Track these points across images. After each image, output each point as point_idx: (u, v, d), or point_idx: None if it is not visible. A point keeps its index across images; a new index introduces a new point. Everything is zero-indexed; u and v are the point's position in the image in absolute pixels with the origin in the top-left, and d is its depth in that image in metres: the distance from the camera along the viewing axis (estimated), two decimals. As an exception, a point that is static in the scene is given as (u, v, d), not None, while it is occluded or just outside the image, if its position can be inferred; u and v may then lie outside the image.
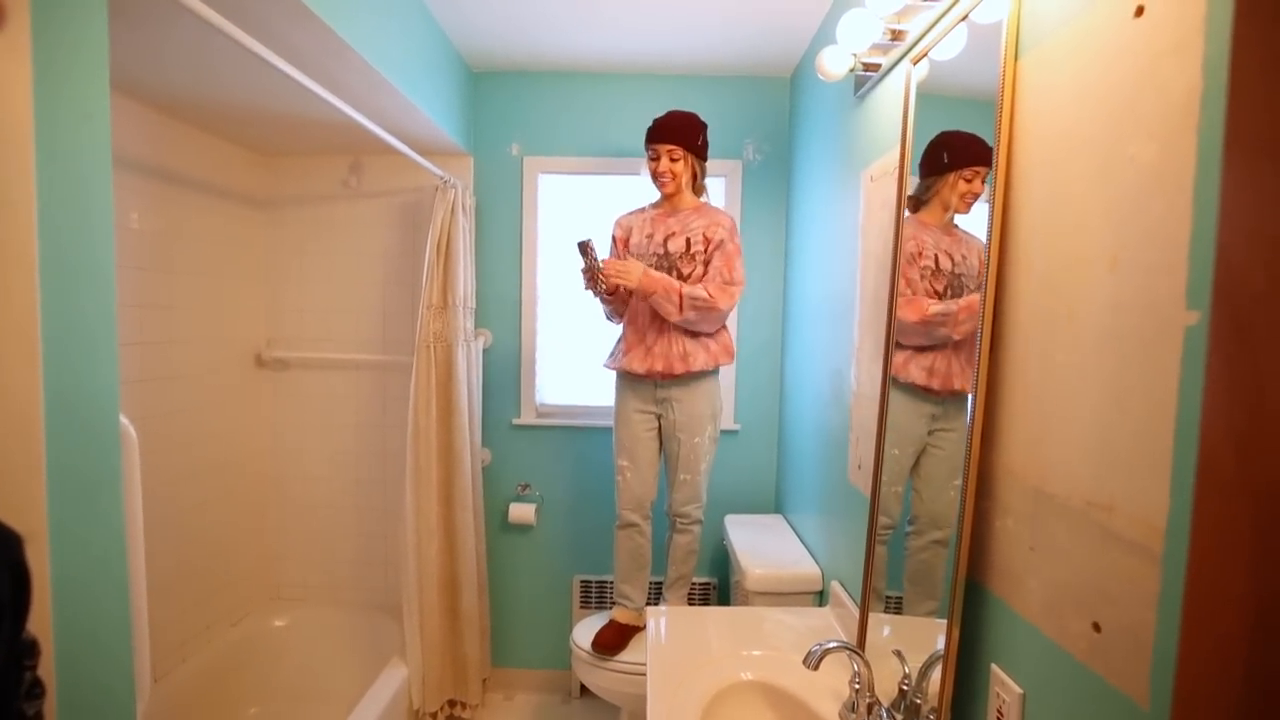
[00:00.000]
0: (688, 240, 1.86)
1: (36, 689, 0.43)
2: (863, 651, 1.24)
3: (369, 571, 2.53)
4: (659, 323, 1.90)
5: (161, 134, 1.97)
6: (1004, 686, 0.85)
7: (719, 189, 2.44)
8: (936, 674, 0.98)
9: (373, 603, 2.50)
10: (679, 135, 1.82)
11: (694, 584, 2.47)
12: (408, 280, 2.42)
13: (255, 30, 1.28)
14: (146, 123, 1.91)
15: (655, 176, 1.87)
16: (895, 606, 1.27)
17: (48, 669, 0.74)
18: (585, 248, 1.82)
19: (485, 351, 2.43)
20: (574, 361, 2.52)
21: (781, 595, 1.80)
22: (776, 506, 2.46)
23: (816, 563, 1.86)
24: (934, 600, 1.09)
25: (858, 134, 1.58)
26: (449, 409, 2.17)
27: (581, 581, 2.54)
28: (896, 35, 1.29)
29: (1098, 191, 0.69)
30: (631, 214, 2.00)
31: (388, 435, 2.48)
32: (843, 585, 1.59)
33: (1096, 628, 0.67)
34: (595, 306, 2.48)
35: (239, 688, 2.25)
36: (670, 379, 1.91)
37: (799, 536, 2.08)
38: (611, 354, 2.01)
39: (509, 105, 2.44)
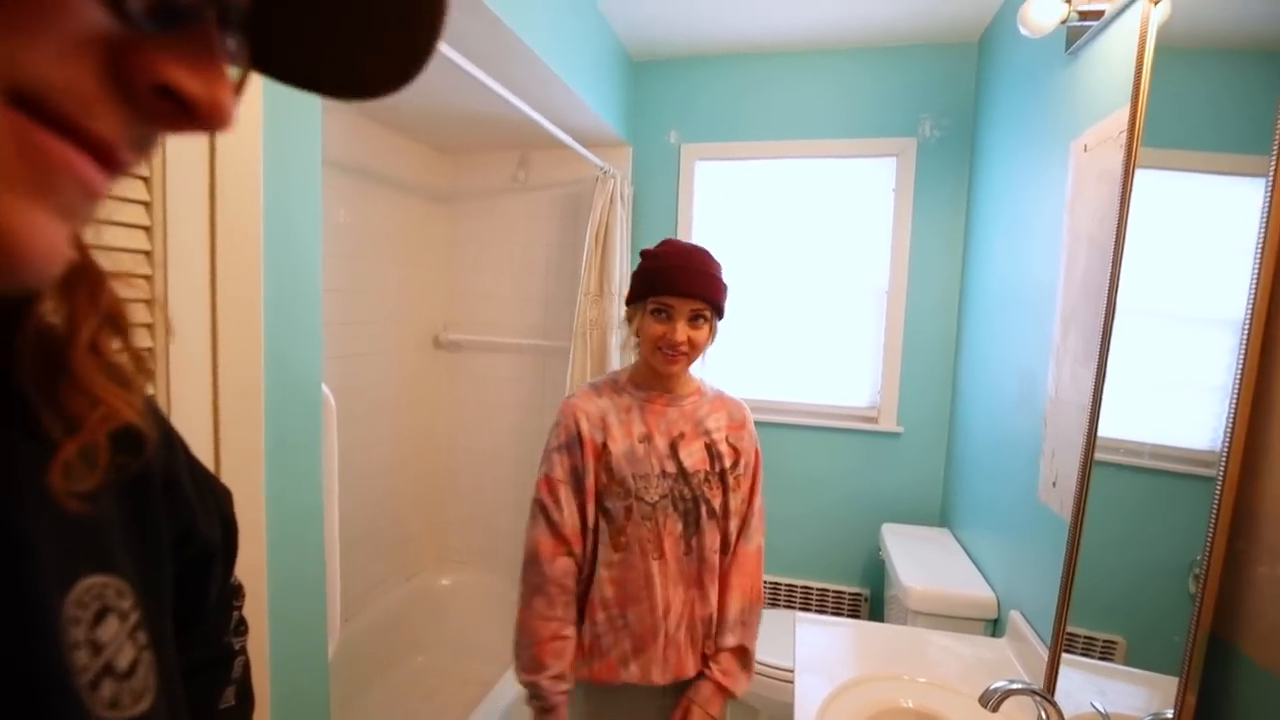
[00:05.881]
0: (708, 447, 1.15)
1: (242, 626, 0.49)
2: (1052, 696, 1.08)
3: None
4: (673, 579, 1.14)
5: (361, 136, 2.20)
6: (1261, 775, 0.68)
7: (889, 169, 2.25)
8: (1156, 741, 0.82)
9: (526, 573, 2.65)
10: (709, 286, 1.09)
11: (844, 593, 2.33)
12: (568, 269, 2.51)
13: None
14: (350, 126, 2.15)
15: (659, 345, 1.09)
16: (1087, 647, 1.09)
17: (260, 606, 0.85)
18: None
19: (637, 339, 2.47)
20: (724, 353, 2.47)
21: (946, 618, 1.63)
22: (942, 519, 2.23)
23: (991, 587, 1.65)
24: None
25: (1068, 97, 1.36)
26: (601, 394, 2.23)
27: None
28: (1130, -27, 1.08)
29: None
30: (589, 394, 1.18)
31: (545, 417, 2.59)
32: (1024, 617, 1.40)
33: None
34: (753, 300, 2.40)
35: (410, 636, 2.49)
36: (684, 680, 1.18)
37: (969, 555, 1.87)
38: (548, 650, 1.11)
39: (667, 93, 2.43)
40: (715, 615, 1.17)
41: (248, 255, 0.78)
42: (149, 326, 0.67)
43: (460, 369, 2.72)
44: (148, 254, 0.65)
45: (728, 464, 1.15)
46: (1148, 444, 1.02)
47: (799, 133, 2.31)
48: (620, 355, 2.25)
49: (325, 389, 0.97)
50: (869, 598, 2.33)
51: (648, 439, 1.12)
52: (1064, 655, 1.12)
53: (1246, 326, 0.71)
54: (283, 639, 0.90)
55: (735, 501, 1.16)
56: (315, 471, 0.97)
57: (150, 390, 0.67)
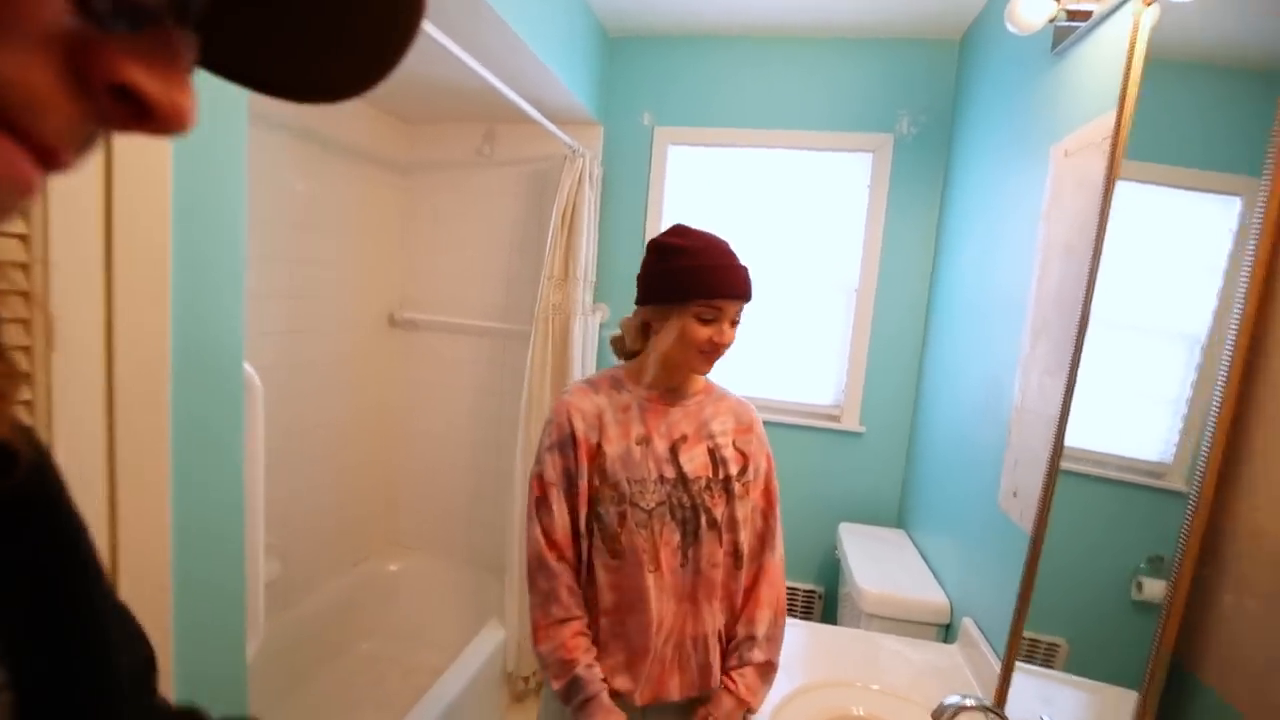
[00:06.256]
0: (712, 452, 1.07)
1: None
2: (1003, 711, 1.07)
3: (478, 530, 2.61)
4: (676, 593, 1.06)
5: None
6: (1215, 809, 0.66)
7: (865, 165, 2.21)
8: (1108, 764, 0.80)
9: (479, 561, 2.58)
10: (751, 284, 1.04)
11: (799, 590, 2.33)
12: (532, 250, 2.42)
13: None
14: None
15: (703, 349, 1.02)
16: (1031, 649, 1.09)
17: (164, 607, 0.76)
18: None
19: (601, 325, 2.40)
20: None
21: (899, 621, 1.62)
22: (899, 521, 2.24)
23: (945, 592, 1.65)
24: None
25: (1051, 100, 1.33)
26: (563, 381, 2.16)
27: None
28: (1123, -27, 1.05)
29: None
30: (585, 391, 1.09)
31: (504, 402, 2.53)
32: (977, 624, 1.40)
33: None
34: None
35: (355, 623, 2.41)
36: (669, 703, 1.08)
37: (925, 559, 1.88)
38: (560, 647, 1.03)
39: (643, 72, 2.34)
40: (741, 629, 1.09)
41: (152, 214, 0.69)
42: (25, 323, 0.57)
43: (416, 349, 2.61)
44: (21, 215, 0.55)
45: (734, 470, 1.07)
46: (1101, 454, 1.02)
47: (775, 122, 2.25)
48: (582, 342, 2.18)
49: (249, 368, 0.89)
50: (823, 595, 2.33)
51: (646, 441, 1.04)
52: (1018, 663, 1.11)
53: (1229, 349, 0.69)
54: (190, 642, 0.82)
55: (743, 510, 1.07)
56: (235, 458, 0.88)
57: (27, 395, 0.58)
